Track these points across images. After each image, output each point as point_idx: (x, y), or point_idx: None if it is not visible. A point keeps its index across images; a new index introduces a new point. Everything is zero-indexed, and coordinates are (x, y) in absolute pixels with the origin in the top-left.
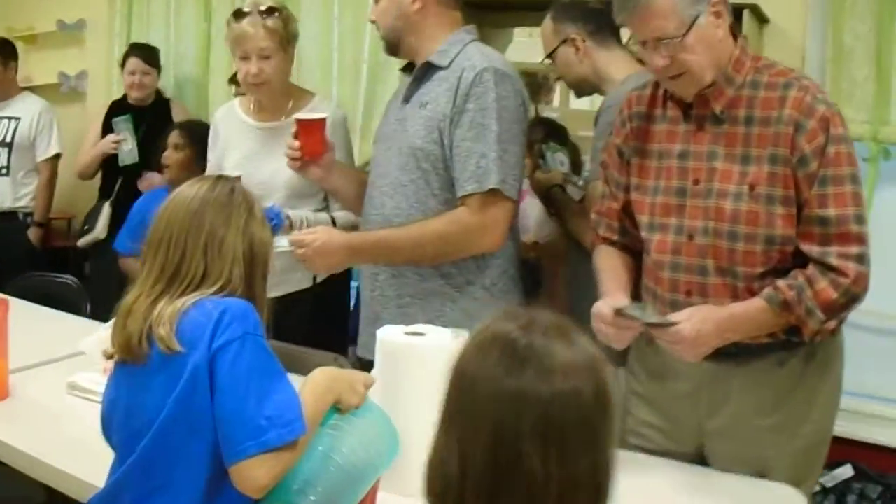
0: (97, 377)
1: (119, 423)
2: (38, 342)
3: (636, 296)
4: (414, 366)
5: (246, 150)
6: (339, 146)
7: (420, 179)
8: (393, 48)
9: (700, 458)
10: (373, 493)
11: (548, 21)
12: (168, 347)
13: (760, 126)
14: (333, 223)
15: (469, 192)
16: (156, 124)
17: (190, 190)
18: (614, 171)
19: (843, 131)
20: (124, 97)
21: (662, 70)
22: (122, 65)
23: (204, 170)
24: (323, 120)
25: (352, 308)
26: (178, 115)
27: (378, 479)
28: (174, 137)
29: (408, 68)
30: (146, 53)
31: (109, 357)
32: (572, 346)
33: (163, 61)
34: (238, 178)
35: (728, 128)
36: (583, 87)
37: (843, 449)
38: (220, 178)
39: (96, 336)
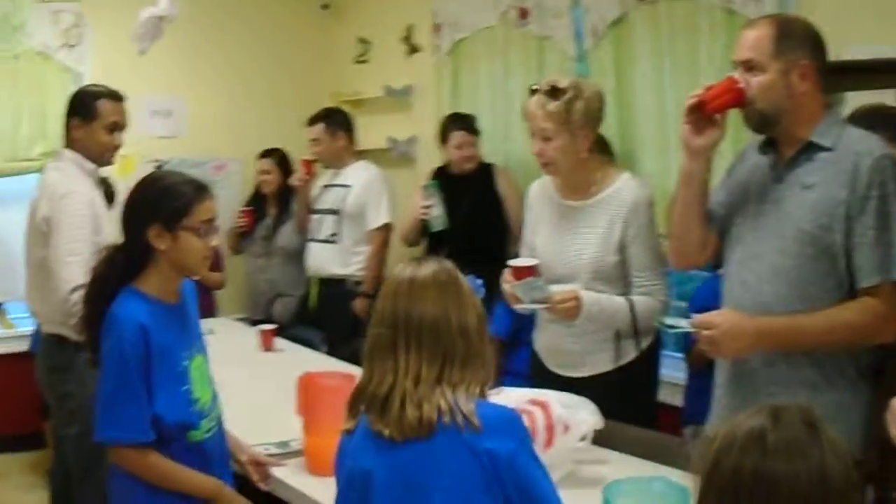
0: None
1: (383, 495)
2: None
3: None
4: None
5: (554, 226)
6: (643, 226)
7: (803, 265)
8: (769, 126)
9: None
10: None
11: None
12: (466, 426)
13: None
14: (632, 309)
15: (877, 283)
16: (479, 191)
17: (428, 282)
18: None
19: None
20: (447, 163)
21: None
22: (443, 136)
23: None
24: (745, 94)
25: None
26: (502, 183)
27: None
28: None
29: (765, 146)
30: (467, 123)
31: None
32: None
33: (490, 128)
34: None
35: None
36: None
37: None
38: (436, 261)
39: None
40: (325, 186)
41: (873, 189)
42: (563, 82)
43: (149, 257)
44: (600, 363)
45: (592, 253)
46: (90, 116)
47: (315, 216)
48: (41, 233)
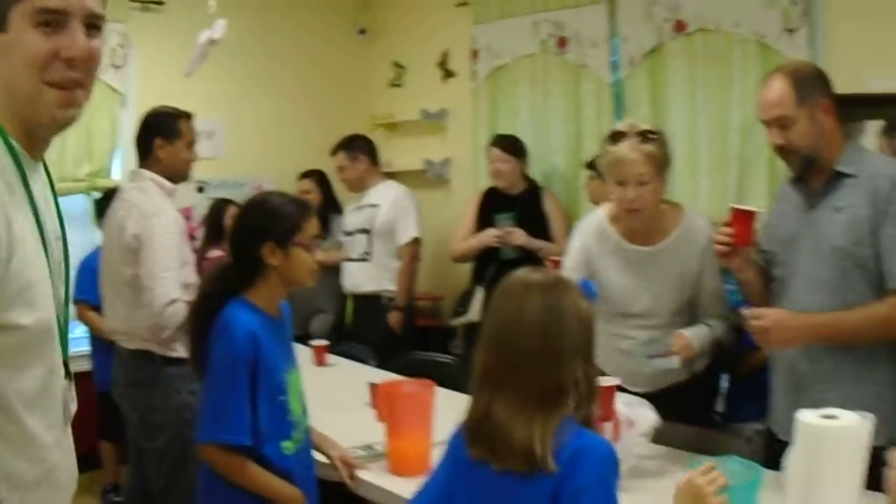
0: None
1: None
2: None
3: None
4: (829, 448)
5: (623, 270)
6: (712, 258)
7: (839, 277)
8: (812, 166)
9: None
10: None
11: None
12: (543, 466)
13: None
14: (715, 334)
15: None
16: (526, 212)
17: (526, 297)
18: None
19: None
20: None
21: None
22: (488, 155)
23: None
24: (756, 213)
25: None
26: (549, 205)
27: None
28: None
29: (796, 180)
30: (504, 143)
31: None
32: None
33: (532, 151)
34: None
35: None
36: None
37: None
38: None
39: None
40: (355, 209)
41: (892, 205)
42: (642, 125)
43: (259, 273)
44: (673, 377)
45: (672, 294)
46: (174, 135)
47: (348, 237)
48: (130, 250)
